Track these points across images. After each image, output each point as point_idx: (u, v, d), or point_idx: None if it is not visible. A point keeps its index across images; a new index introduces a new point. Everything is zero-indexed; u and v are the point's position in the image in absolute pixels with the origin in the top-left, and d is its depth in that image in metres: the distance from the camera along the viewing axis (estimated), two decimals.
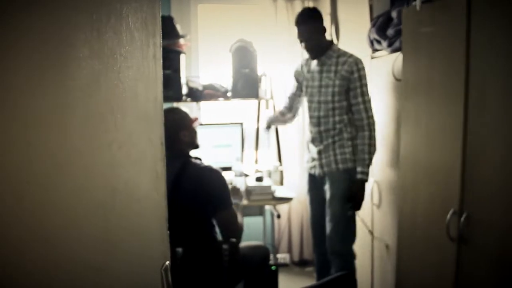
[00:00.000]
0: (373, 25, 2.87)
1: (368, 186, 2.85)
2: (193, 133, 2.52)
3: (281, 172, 3.56)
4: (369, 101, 2.77)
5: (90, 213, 0.96)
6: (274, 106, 3.60)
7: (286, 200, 3.20)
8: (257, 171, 3.60)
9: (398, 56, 2.50)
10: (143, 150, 1.13)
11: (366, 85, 2.78)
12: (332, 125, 2.86)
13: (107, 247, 1.00)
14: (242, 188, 3.25)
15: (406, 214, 2.37)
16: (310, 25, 2.86)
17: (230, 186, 2.69)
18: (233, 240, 2.39)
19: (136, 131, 1.08)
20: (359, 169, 2.76)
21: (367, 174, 2.77)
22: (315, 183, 3.02)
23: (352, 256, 2.88)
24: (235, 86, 3.34)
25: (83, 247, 0.95)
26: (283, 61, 3.90)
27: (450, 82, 1.92)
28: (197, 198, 2.32)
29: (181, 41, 3.36)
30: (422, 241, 2.22)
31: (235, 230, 2.43)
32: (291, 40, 3.86)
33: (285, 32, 3.87)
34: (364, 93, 2.77)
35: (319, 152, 2.92)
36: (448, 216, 1.89)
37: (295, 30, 3.84)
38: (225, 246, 2.36)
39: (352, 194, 2.77)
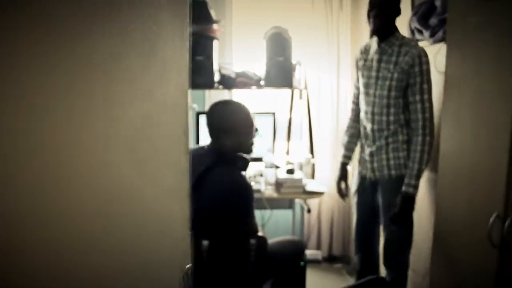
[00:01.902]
0: (414, 14, 2.74)
1: None
2: (249, 138, 2.38)
3: (313, 165, 3.47)
4: (429, 100, 2.44)
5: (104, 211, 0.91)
6: (307, 97, 3.50)
7: (317, 194, 3.11)
8: (288, 163, 3.52)
9: (441, 47, 2.36)
10: (165, 142, 1.07)
11: (428, 81, 2.44)
12: (386, 124, 2.57)
13: (125, 247, 0.95)
14: (272, 180, 3.18)
15: (443, 217, 2.25)
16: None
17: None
18: (262, 235, 2.32)
19: (159, 122, 1.03)
20: (406, 180, 2.47)
21: (414, 186, 2.45)
22: (365, 186, 2.76)
23: (406, 266, 2.68)
24: (268, 75, 3.25)
25: (102, 246, 0.91)
26: (319, 49, 3.79)
27: (500, 76, 1.78)
28: (215, 206, 2.23)
29: (215, 26, 3.28)
30: (461, 247, 2.10)
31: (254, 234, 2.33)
32: (328, 28, 3.75)
33: (322, 19, 3.75)
34: (424, 91, 2.43)
35: (371, 154, 2.67)
36: (491, 220, 1.77)
37: (331, 17, 3.75)
38: (252, 241, 2.30)
39: (395, 208, 2.49)
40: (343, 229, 3.94)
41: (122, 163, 0.94)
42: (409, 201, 2.48)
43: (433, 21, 2.55)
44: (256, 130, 2.44)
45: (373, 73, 2.60)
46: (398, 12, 2.53)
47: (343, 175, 2.92)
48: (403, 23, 2.87)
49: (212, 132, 2.34)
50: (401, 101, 2.52)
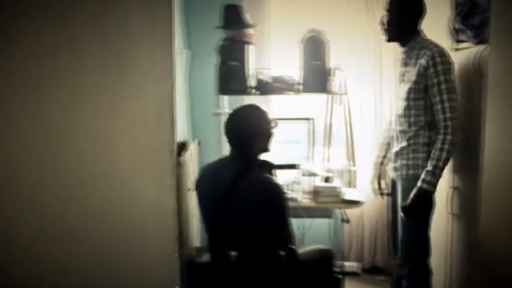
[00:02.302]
0: (457, 14, 2.58)
1: (443, 194, 2.57)
2: (269, 138, 2.35)
3: (354, 172, 3.33)
4: (450, 100, 2.39)
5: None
6: (348, 102, 3.37)
7: (355, 203, 2.97)
8: (328, 170, 3.40)
9: (485, 48, 2.20)
10: (146, 158, 1.01)
11: (447, 81, 2.39)
12: (408, 126, 2.58)
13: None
14: (309, 188, 3.07)
15: (488, 227, 2.09)
16: (400, 2, 2.58)
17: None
18: (291, 246, 2.23)
19: (139, 139, 0.99)
20: (422, 175, 2.45)
21: (430, 183, 2.42)
22: (393, 186, 2.81)
23: (425, 271, 2.60)
24: (305, 80, 3.14)
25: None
26: (360, 52, 3.65)
27: None
28: (249, 212, 2.14)
29: (249, 31, 3.21)
30: (508, 260, 1.94)
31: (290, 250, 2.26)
32: (368, 31, 3.60)
33: (362, 22, 3.61)
34: (443, 91, 2.40)
35: (396, 155, 2.69)
36: None
37: (373, 20, 3.61)
38: (282, 253, 2.21)
39: (408, 201, 2.47)
40: (387, 240, 3.77)
41: (100, 180, 0.89)
42: (422, 196, 2.45)
43: (476, 20, 2.39)
44: (275, 125, 2.41)
45: (400, 77, 2.67)
46: (416, 15, 2.57)
47: (375, 174, 2.99)
48: (443, 23, 2.71)
49: (233, 140, 2.29)
50: (422, 103, 2.51)
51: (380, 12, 3.53)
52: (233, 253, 2.19)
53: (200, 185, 2.35)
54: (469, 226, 2.51)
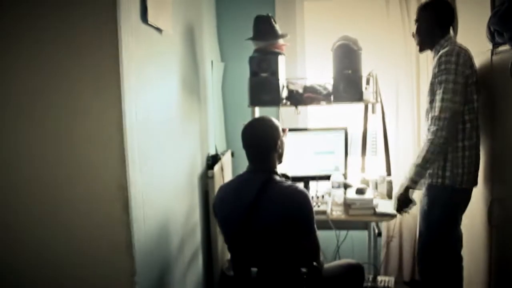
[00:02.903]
0: (494, 14, 2.40)
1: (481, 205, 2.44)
2: (283, 148, 2.29)
3: (389, 183, 3.18)
4: (444, 100, 2.36)
5: None
6: (382, 110, 3.23)
7: (389, 216, 2.82)
8: (362, 181, 3.27)
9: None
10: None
11: (447, 81, 2.38)
12: (427, 129, 2.52)
13: None
14: (340, 201, 2.96)
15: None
16: (426, 11, 2.60)
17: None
18: (315, 263, 2.14)
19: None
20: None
21: (410, 179, 2.47)
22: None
23: (440, 284, 2.60)
24: (336, 89, 3.04)
25: None
26: (396, 59, 3.51)
27: None
28: (278, 220, 2.05)
29: (280, 41, 3.15)
30: None
31: (316, 261, 2.16)
32: (405, 38, 3.46)
33: (398, 28, 3.47)
34: (441, 91, 2.39)
35: None
36: None
37: (409, 26, 3.47)
38: (303, 270, 2.12)
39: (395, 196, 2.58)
40: None
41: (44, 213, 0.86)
42: (403, 190, 2.52)
43: None
44: (283, 131, 2.31)
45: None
46: (438, 25, 2.57)
47: None
48: (483, 24, 2.55)
49: (252, 152, 2.22)
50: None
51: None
52: (254, 269, 2.12)
53: (219, 208, 2.27)
54: (510, 239, 2.34)
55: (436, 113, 2.39)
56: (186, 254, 2.52)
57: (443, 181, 2.49)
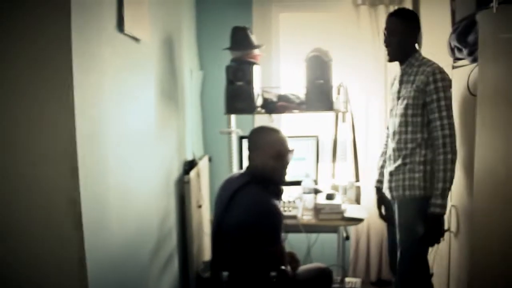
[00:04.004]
0: (454, 31, 2.46)
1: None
2: (278, 165, 2.23)
3: (358, 188, 3.22)
4: (448, 117, 2.27)
5: None
6: (352, 119, 3.27)
7: (357, 221, 2.85)
8: (332, 187, 3.30)
9: (475, 67, 2.09)
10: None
11: (445, 98, 2.28)
12: (404, 143, 2.43)
13: None
14: (310, 206, 2.99)
15: (479, 245, 1.96)
16: (398, 20, 2.43)
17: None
18: (283, 267, 2.15)
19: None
20: (432, 200, 2.28)
21: (441, 206, 2.26)
22: (390, 206, 2.62)
23: None
24: (308, 98, 3.07)
25: None
26: (365, 71, 3.56)
27: None
28: (241, 227, 2.08)
29: (256, 51, 3.17)
30: (500, 280, 1.82)
31: (279, 271, 2.16)
32: (375, 49, 3.51)
33: (368, 40, 3.52)
34: (441, 108, 2.28)
35: (390, 174, 2.52)
36: None
37: (378, 37, 3.51)
38: (273, 273, 2.13)
39: (426, 230, 2.30)
40: None
41: None
42: (436, 220, 2.31)
43: (471, 38, 2.27)
44: (291, 153, 2.32)
45: (396, 95, 2.53)
46: (411, 35, 2.45)
47: (379, 200, 2.78)
48: (443, 41, 2.60)
49: (249, 152, 2.30)
50: (419, 120, 2.38)
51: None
52: (225, 273, 2.13)
53: (216, 198, 2.35)
54: (466, 244, 2.39)
55: (447, 131, 2.27)
56: (161, 259, 2.50)
57: (424, 192, 2.37)
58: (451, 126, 2.29)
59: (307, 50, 3.09)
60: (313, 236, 3.24)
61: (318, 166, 3.27)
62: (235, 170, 3.27)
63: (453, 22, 2.59)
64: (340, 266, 3.17)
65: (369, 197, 3.52)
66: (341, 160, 3.38)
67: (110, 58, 1.70)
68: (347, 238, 2.91)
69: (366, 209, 3.11)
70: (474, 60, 2.23)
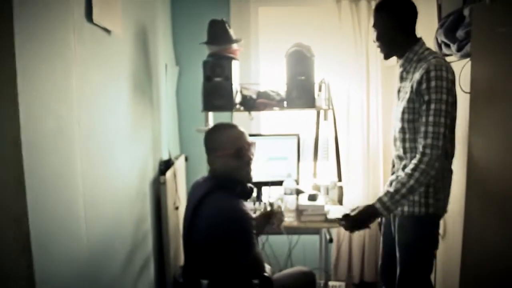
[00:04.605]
0: (440, 26, 2.36)
1: None
2: (242, 162, 2.09)
3: (341, 188, 3.10)
4: (436, 124, 1.95)
5: None
6: (334, 117, 3.15)
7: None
8: (314, 186, 3.19)
9: (467, 63, 1.99)
10: None
11: (437, 101, 1.95)
12: (403, 151, 2.16)
13: None
14: (292, 207, 2.86)
15: (470, 250, 1.87)
16: (382, 13, 2.15)
17: (265, 210, 2.31)
18: (265, 274, 2.01)
19: None
20: (381, 194, 2.09)
21: (385, 207, 2.04)
22: (387, 219, 2.41)
23: None
24: (289, 95, 2.94)
25: None
26: (347, 67, 3.45)
27: None
28: (210, 234, 1.93)
29: (234, 46, 3.02)
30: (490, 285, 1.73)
31: (258, 272, 2.00)
32: (356, 44, 3.41)
33: (349, 36, 3.41)
34: (429, 113, 1.97)
35: (391, 184, 2.22)
36: None
37: (360, 33, 3.41)
38: (255, 281, 1.99)
39: (353, 213, 2.17)
40: (375, 254, 3.55)
41: None
42: (370, 214, 2.12)
43: (460, 33, 2.18)
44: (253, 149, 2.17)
45: (396, 94, 2.26)
46: (403, 26, 2.13)
47: None
48: (430, 36, 2.50)
49: (207, 156, 2.13)
50: (417, 125, 2.07)
51: (367, 27, 3.36)
52: (204, 281, 1.98)
53: (186, 205, 2.18)
54: (452, 247, 2.30)
55: (429, 141, 1.97)
56: (136, 265, 2.35)
57: (426, 210, 2.10)
58: (436, 135, 1.96)
59: (287, 46, 2.96)
60: (294, 237, 3.12)
61: (300, 166, 3.14)
62: None
63: (440, 17, 2.49)
64: (323, 269, 3.06)
65: (351, 197, 3.43)
66: (323, 159, 3.26)
67: (77, 49, 1.54)
68: (331, 240, 2.78)
69: (349, 210, 3.00)
70: (463, 56, 2.14)
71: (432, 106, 1.97)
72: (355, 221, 2.17)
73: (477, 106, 1.79)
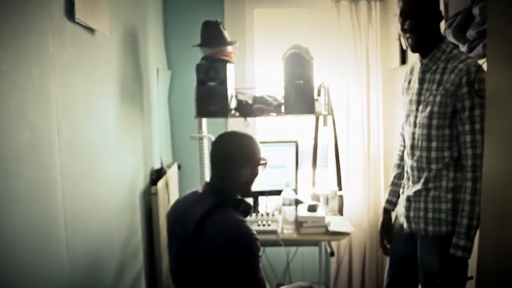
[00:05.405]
0: (448, 26, 2.23)
1: None
2: (252, 179, 1.90)
3: (341, 198, 2.95)
4: (483, 132, 1.66)
5: None
6: (334, 123, 3.00)
7: (342, 235, 2.58)
8: (313, 196, 3.03)
9: (482, 64, 1.84)
10: None
11: (481, 106, 1.74)
12: (426, 162, 1.91)
13: None
14: (291, 218, 2.71)
15: (486, 264, 1.72)
16: (427, 2, 1.86)
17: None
18: None
19: None
20: (454, 239, 1.80)
21: (464, 248, 1.77)
22: (400, 233, 2.13)
23: None
24: (287, 100, 2.79)
25: None
26: (346, 70, 3.31)
27: None
28: (213, 255, 1.71)
29: (229, 48, 2.87)
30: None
31: None
32: (356, 47, 3.27)
33: (349, 38, 3.28)
34: (475, 119, 1.76)
35: (408, 200, 2.01)
36: None
37: (360, 35, 3.26)
38: None
39: (443, 275, 1.82)
40: (377, 265, 3.40)
41: None
42: (457, 265, 1.81)
43: (470, 33, 2.04)
44: (264, 165, 1.96)
45: (415, 97, 1.98)
46: (439, 17, 1.90)
47: (384, 224, 2.30)
48: None
49: (215, 169, 1.87)
50: (447, 133, 1.86)
51: (367, 29, 3.23)
52: None
53: (171, 220, 1.96)
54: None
55: (479, 151, 1.75)
56: (125, 281, 2.19)
57: (453, 229, 1.84)
58: (482, 144, 1.74)
59: (284, 48, 2.81)
60: (292, 249, 2.96)
61: (298, 174, 2.99)
62: (207, 178, 2.97)
63: (447, 17, 2.35)
64: (323, 283, 2.90)
65: (351, 207, 3.29)
66: (322, 167, 3.11)
67: (56, 51, 1.39)
68: (332, 254, 2.61)
69: (349, 221, 2.85)
70: (475, 57, 1.99)
71: (477, 112, 1.76)
72: (450, 283, 1.84)
73: (493, 111, 1.65)
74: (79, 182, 1.59)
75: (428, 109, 1.88)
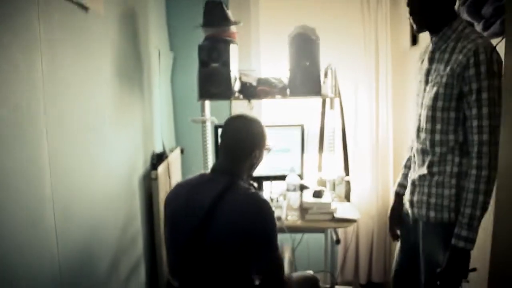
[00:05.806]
0: (462, 3, 2.10)
1: None
2: (258, 162, 1.88)
3: (348, 183, 2.86)
4: (491, 116, 1.62)
5: None
6: (341, 106, 2.89)
7: (349, 222, 2.50)
8: (319, 181, 2.94)
9: (498, 42, 1.73)
10: None
11: (489, 89, 1.62)
12: (430, 146, 1.81)
13: None
14: (296, 204, 2.62)
15: (500, 251, 1.62)
16: None
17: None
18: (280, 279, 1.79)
19: None
20: (456, 229, 1.69)
21: (466, 239, 1.67)
22: (407, 219, 2.04)
23: None
24: (292, 82, 2.68)
25: None
26: (355, 50, 3.19)
27: None
28: (235, 231, 1.64)
29: (232, 29, 2.77)
30: None
31: (278, 283, 1.78)
32: (364, 29, 3.15)
33: (357, 19, 3.15)
34: (483, 103, 1.64)
35: (413, 183, 1.92)
36: None
37: (369, 17, 3.14)
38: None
39: (445, 266, 1.72)
40: (384, 254, 3.31)
41: None
42: (460, 257, 1.70)
43: (486, 10, 1.92)
44: (269, 149, 1.93)
45: (424, 77, 1.87)
46: None
47: (394, 208, 2.17)
48: None
49: (225, 153, 1.81)
50: (453, 116, 1.73)
51: (375, 8, 3.10)
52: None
53: (170, 206, 1.86)
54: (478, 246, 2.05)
55: (485, 136, 1.64)
56: (123, 270, 2.12)
57: (456, 216, 1.74)
58: (494, 129, 1.63)
59: (290, 28, 2.70)
60: (298, 236, 2.88)
61: (304, 158, 2.89)
62: (210, 162, 2.89)
63: None
64: (329, 272, 2.82)
65: (359, 193, 3.20)
66: (328, 152, 3.01)
67: (42, 27, 1.30)
68: (338, 242, 2.52)
69: (357, 208, 2.76)
70: (491, 35, 1.88)
71: (485, 95, 1.64)
72: (450, 275, 1.73)
73: (511, 96, 1.54)
74: (71, 166, 1.51)
75: (434, 90, 1.76)
